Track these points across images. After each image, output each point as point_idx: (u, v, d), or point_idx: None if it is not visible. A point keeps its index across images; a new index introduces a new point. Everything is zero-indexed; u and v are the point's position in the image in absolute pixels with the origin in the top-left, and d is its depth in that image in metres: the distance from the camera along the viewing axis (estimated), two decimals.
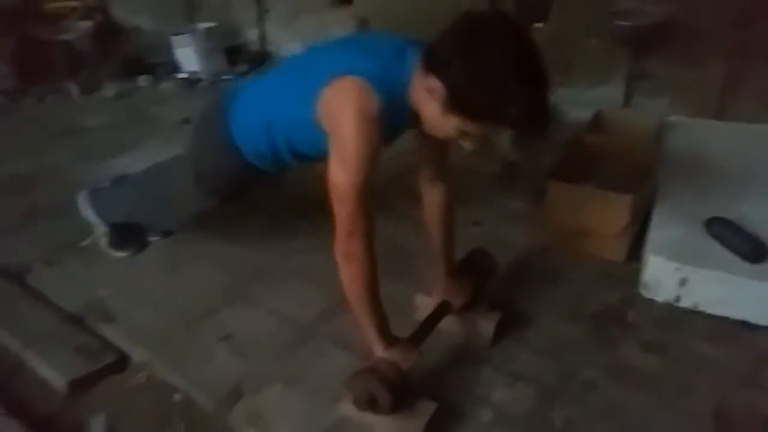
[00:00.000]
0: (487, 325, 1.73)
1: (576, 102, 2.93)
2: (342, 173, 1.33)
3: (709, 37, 2.59)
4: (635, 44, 2.70)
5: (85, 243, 2.20)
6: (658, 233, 1.95)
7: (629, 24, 2.63)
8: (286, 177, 2.00)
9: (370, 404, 1.42)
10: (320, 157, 1.46)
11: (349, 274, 1.41)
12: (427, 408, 1.47)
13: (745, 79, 2.58)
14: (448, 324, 1.71)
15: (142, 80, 3.62)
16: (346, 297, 1.46)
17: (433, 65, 1.26)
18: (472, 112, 1.24)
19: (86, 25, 4.00)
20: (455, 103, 1.24)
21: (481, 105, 1.22)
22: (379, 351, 1.49)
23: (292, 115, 1.51)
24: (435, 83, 1.25)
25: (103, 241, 2.15)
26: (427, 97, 1.29)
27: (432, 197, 1.69)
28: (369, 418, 1.46)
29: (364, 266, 1.40)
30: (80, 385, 1.66)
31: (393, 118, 1.35)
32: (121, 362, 1.74)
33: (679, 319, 1.83)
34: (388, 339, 1.50)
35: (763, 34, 2.48)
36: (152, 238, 2.22)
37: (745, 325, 1.79)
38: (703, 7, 2.56)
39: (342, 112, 1.32)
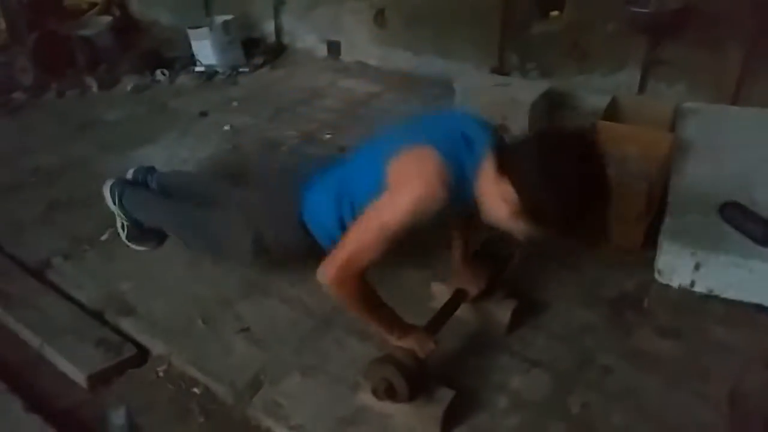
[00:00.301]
0: (503, 312, 1.74)
1: (592, 88, 2.92)
2: (385, 211, 1.36)
3: (727, 22, 2.55)
4: (652, 31, 2.68)
5: (104, 237, 2.24)
6: (672, 219, 1.95)
7: (646, 11, 2.60)
8: None
9: (389, 393, 1.44)
10: None
11: (339, 297, 1.44)
12: (445, 395, 1.50)
13: (761, 64, 2.55)
14: (464, 312, 1.74)
15: (160, 74, 3.65)
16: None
17: (509, 172, 1.30)
18: (542, 223, 1.30)
19: (105, 20, 4.05)
20: (527, 214, 1.29)
21: (551, 222, 1.29)
22: (395, 341, 1.51)
23: (364, 182, 1.52)
24: (509, 191, 1.29)
25: (123, 234, 2.18)
26: (498, 198, 1.33)
27: None
28: (388, 406, 1.49)
29: (352, 294, 1.42)
30: (100, 379, 1.69)
31: (458, 199, 1.39)
32: (141, 356, 1.77)
33: (693, 303, 1.84)
34: (401, 331, 1.52)
35: None
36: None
37: (759, 309, 1.80)
38: None
39: (415, 169, 1.36)
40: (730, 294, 1.82)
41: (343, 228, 1.61)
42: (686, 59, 2.71)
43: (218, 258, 2.05)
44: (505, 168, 1.31)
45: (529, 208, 1.28)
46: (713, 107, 2.57)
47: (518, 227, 1.34)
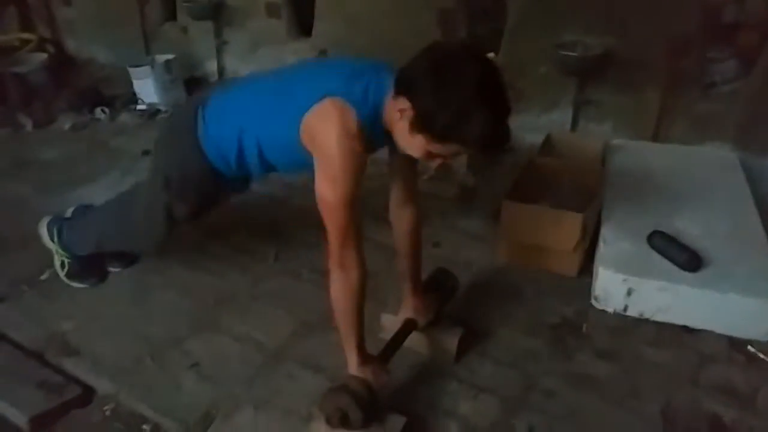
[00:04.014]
0: (450, 341, 1.80)
1: (527, 127, 3.08)
2: (330, 189, 1.42)
3: (645, 67, 2.78)
4: (580, 73, 2.88)
5: (44, 277, 2.18)
6: (606, 248, 2.07)
7: (574, 55, 2.80)
8: (249, 189, 2.01)
9: (343, 421, 1.46)
10: (291, 170, 1.58)
11: (343, 283, 1.49)
12: (396, 422, 1.53)
13: (677, 105, 2.78)
14: (413, 341, 1.78)
15: (100, 112, 3.60)
16: (334, 309, 1.53)
17: (403, 88, 1.36)
18: (436, 131, 1.32)
19: (40, 57, 3.96)
20: (421, 122, 1.33)
21: (444, 125, 1.30)
22: (353, 366, 1.55)
23: (276, 136, 1.58)
24: (404, 104, 1.34)
25: (62, 272, 2.13)
26: (398, 117, 1.38)
27: (401, 221, 1.76)
28: None
29: (358, 274, 1.49)
30: (43, 422, 1.63)
31: (371, 135, 1.44)
32: (86, 395, 1.72)
33: (627, 327, 1.95)
34: (363, 356, 1.56)
35: (692, 64, 2.69)
36: (113, 269, 2.21)
37: (686, 330, 1.92)
38: (639, 40, 2.76)
39: (325, 132, 1.42)
40: (660, 317, 1.94)
41: (241, 162, 1.69)
42: (611, 100, 2.92)
43: (150, 237, 1.99)
44: (399, 87, 1.36)
45: (422, 117, 1.32)
46: (638, 144, 2.78)
47: (419, 144, 1.37)
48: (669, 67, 2.71)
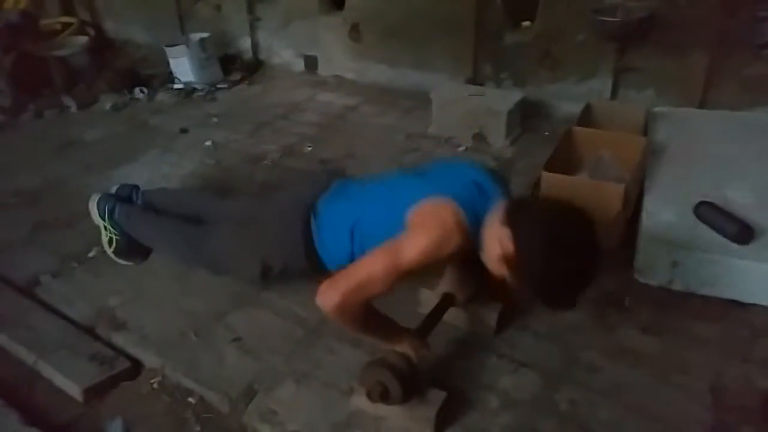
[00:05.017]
0: (490, 315, 1.79)
1: (565, 96, 3.00)
2: (402, 250, 1.43)
3: (691, 29, 2.67)
4: (620, 39, 2.78)
5: (92, 254, 2.24)
6: (649, 219, 2.02)
7: (614, 20, 2.70)
8: None
9: (383, 396, 1.47)
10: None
11: (338, 321, 1.48)
12: (437, 397, 1.53)
13: (725, 69, 2.66)
14: (452, 316, 1.78)
15: (139, 92, 3.66)
16: None
17: (513, 228, 1.39)
18: (523, 282, 1.41)
19: (81, 40, 4.04)
20: (514, 267, 1.39)
21: (534, 287, 1.40)
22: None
23: (381, 229, 1.55)
24: (508, 242, 1.38)
25: (110, 248, 2.18)
26: (496, 241, 1.42)
27: None
28: (382, 409, 1.52)
29: (353, 320, 1.48)
30: (95, 393, 1.70)
31: (473, 238, 1.48)
32: (135, 368, 1.79)
33: (673, 300, 1.90)
34: (395, 338, 1.56)
35: (741, 24, 2.56)
36: None
37: (735, 304, 1.86)
38: (683, 1, 2.64)
39: (437, 217, 1.46)
40: (707, 290, 1.89)
41: (352, 256, 1.66)
42: (654, 65, 2.81)
43: (218, 274, 2.04)
44: (510, 219, 1.41)
45: (518, 266, 1.38)
46: (683, 111, 2.67)
47: (501, 271, 1.44)
48: (717, 27, 2.59)
